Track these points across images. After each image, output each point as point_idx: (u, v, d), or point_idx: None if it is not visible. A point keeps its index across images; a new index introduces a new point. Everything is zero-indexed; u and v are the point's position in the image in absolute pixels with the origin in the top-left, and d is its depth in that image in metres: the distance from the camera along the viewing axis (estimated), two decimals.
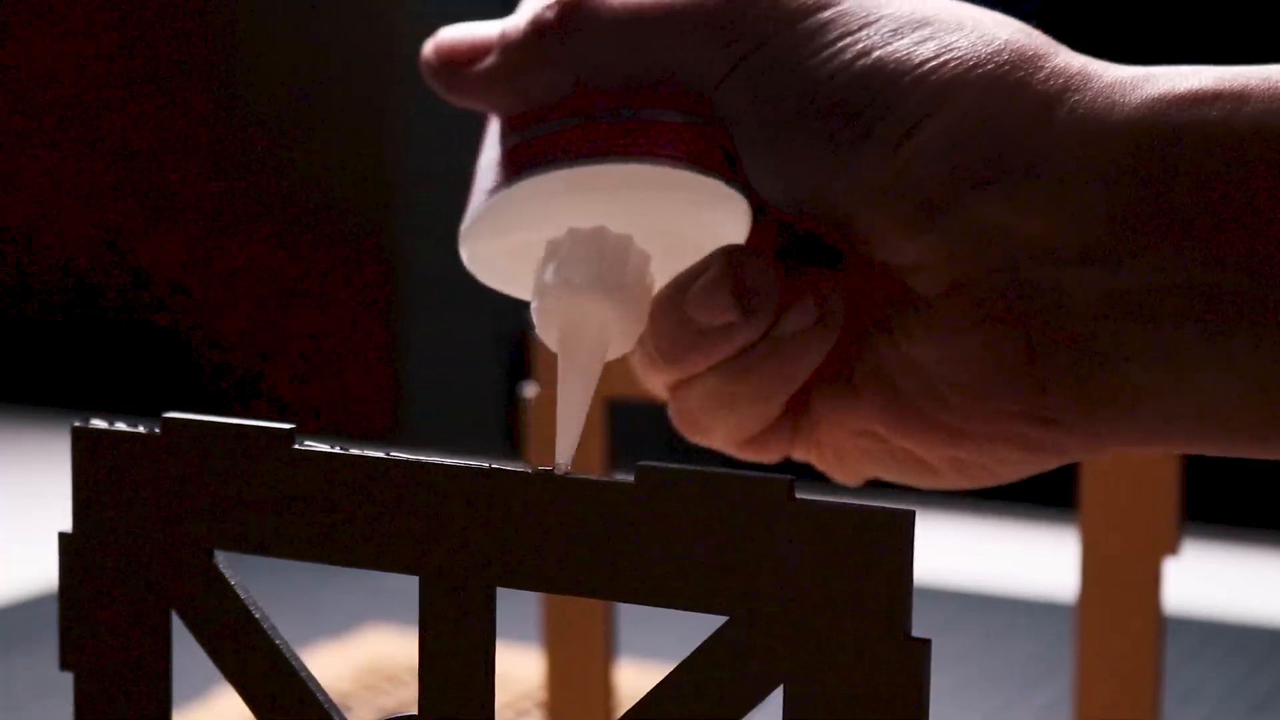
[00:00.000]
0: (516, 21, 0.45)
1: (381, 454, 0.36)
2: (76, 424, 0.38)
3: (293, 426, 0.37)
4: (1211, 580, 1.11)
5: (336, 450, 0.36)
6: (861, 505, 0.33)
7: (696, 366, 0.44)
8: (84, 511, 0.38)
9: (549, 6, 0.44)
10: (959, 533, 1.30)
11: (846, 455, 0.46)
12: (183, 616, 0.37)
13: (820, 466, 0.47)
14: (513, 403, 1.61)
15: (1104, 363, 0.41)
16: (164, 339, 1.72)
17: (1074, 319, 0.41)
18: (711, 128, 0.44)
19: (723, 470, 0.34)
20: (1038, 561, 1.20)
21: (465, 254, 0.46)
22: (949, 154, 0.41)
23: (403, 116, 1.64)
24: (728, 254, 0.43)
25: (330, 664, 0.86)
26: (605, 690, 0.63)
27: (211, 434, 0.37)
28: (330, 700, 0.37)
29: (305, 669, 0.37)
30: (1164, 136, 0.40)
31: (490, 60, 0.45)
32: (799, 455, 0.47)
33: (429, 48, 0.46)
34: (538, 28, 0.44)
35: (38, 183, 1.74)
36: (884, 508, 0.33)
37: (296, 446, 0.37)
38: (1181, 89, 0.40)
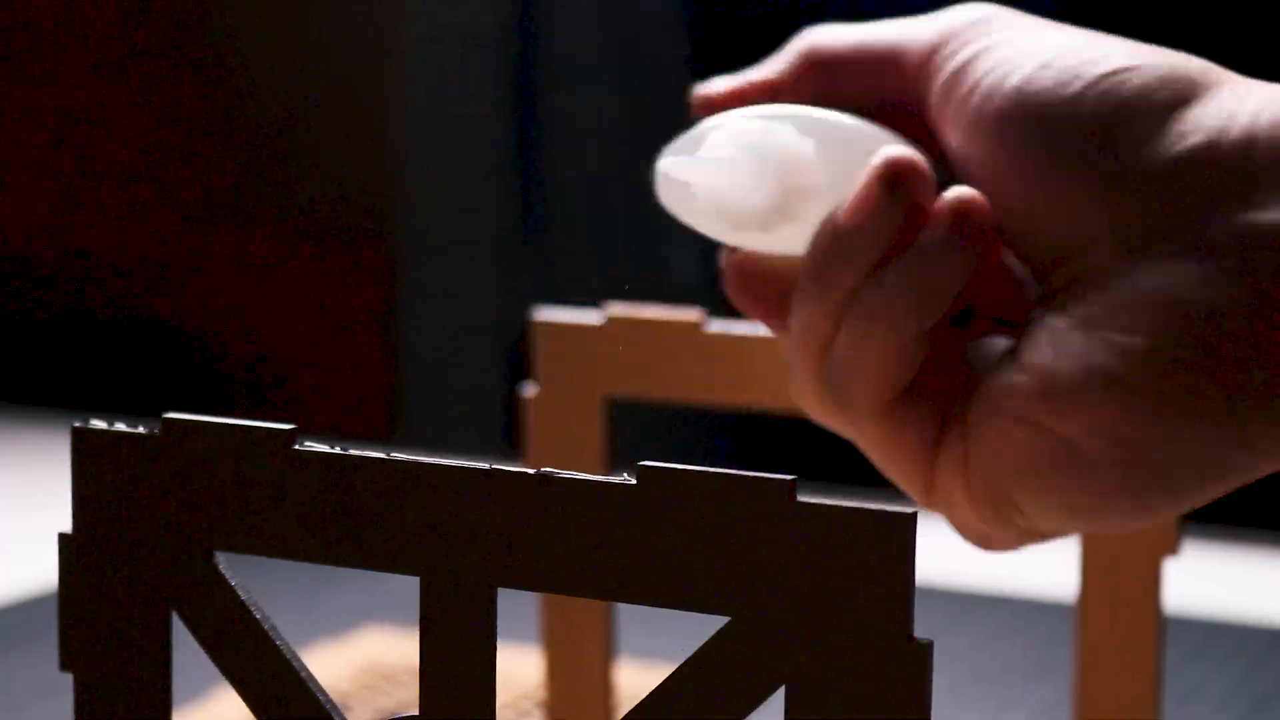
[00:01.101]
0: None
1: (381, 454, 0.36)
2: (76, 424, 0.38)
3: (293, 426, 0.37)
4: (1212, 580, 1.11)
5: (336, 450, 0.36)
6: (863, 506, 0.33)
7: (844, 276, 0.45)
8: (84, 512, 0.38)
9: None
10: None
11: (996, 462, 0.45)
12: (183, 617, 0.37)
13: (960, 492, 0.46)
14: (513, 403, 1.61)
15: None
16: (164, 339, 1.72)
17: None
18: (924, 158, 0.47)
19: (724, 470, 0.34)
20: (1037, 561, 1.20)
21: (667, 179, 0.48)
22: (1178, 178, 0.42)
23: (403, 117, 1.64)
24: (886, 149, 0.46)
25: (330, 664, 0.86)
26: (605, 690, 0.63)
27: (211, 434, 0.37)
28: (330, 700, 0.37)
29: (305, 669, 0.37)
30: None
31: (727, 87, 0.50)
32: (940, 475, 0.47)
33: (695, 92, 0.50)
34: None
35: (37, 182, 1.74)
36: (886, 509, 0.33)
37: (296, 446, 0.36)
38: None
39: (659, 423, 1.47)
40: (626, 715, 0.35)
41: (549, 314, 0.61)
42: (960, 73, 0.46)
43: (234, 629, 0.37)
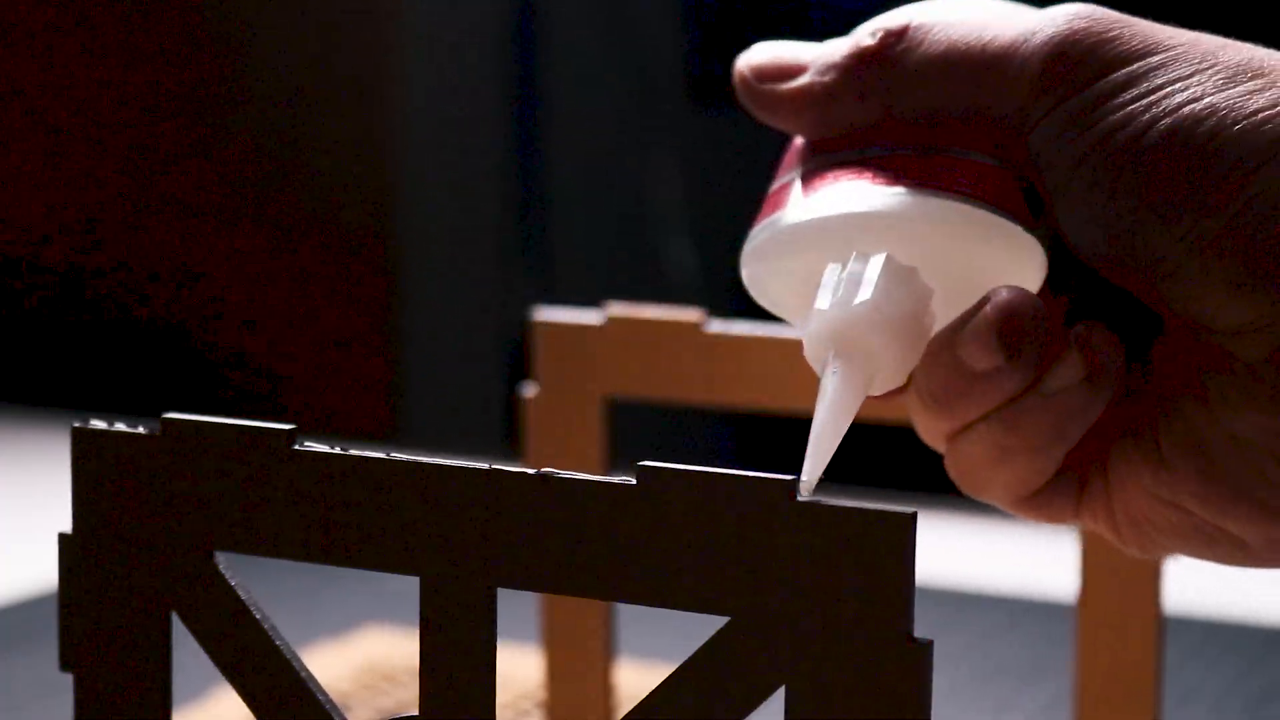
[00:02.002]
0: (836, 46, 0.45)
1: (381, 454, 0.36)
2: (76, 424, 0.38)
3: (293, 426, 0.37)
4: (1211, 579, 1.11)
5: (336, 450, 0.36)
6: (863, 506, 0.33)
7: (967, 413, 0.42)
8: (83, 512, 0.38)
9: (871, 34, 0.44)
10: (959, 533, 1.30)
11: (1145, 526, 0.43)
12: (182, 617, 0.37)
13: (1109, 535, 0.45)
14: (513, 403, 1.61)
15: None
16: (164, 339, 1.72)
17: None
18: (1016, 170, 0.43)
19: (724, 470, 0.34)
20: (1037, 561, 1.20)
21: (746, 274, 0.45)
22: None
23: (403, 117, 1.64)
24: (1000, 294, 0.41)
25: (330, 664, 0.86)
26: (605, 690, 0.63)
27: (211, 434, 0.37)
28: (330, 700, 0.37)
29: (305, 669, 0.37)
30: None
31: (802, 80, 0.44)
32: (1086, 521, 0.45)
33: (742, 62, 0.45)
34: (859, 55, 0.44)
35: (37, 182, 1.74)
36: (886, 509, 0.33)
37: (296, 446, 0.36)
38: None
39: (659, 423, 1.47)
40: (626, 715, 0.35)
41: (549, 314, 0.61)
42: (1096, 98, 0.41)
43: (234, 629, 0.37)
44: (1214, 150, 0.40)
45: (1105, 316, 0.43)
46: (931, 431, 0.44)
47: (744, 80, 0.45)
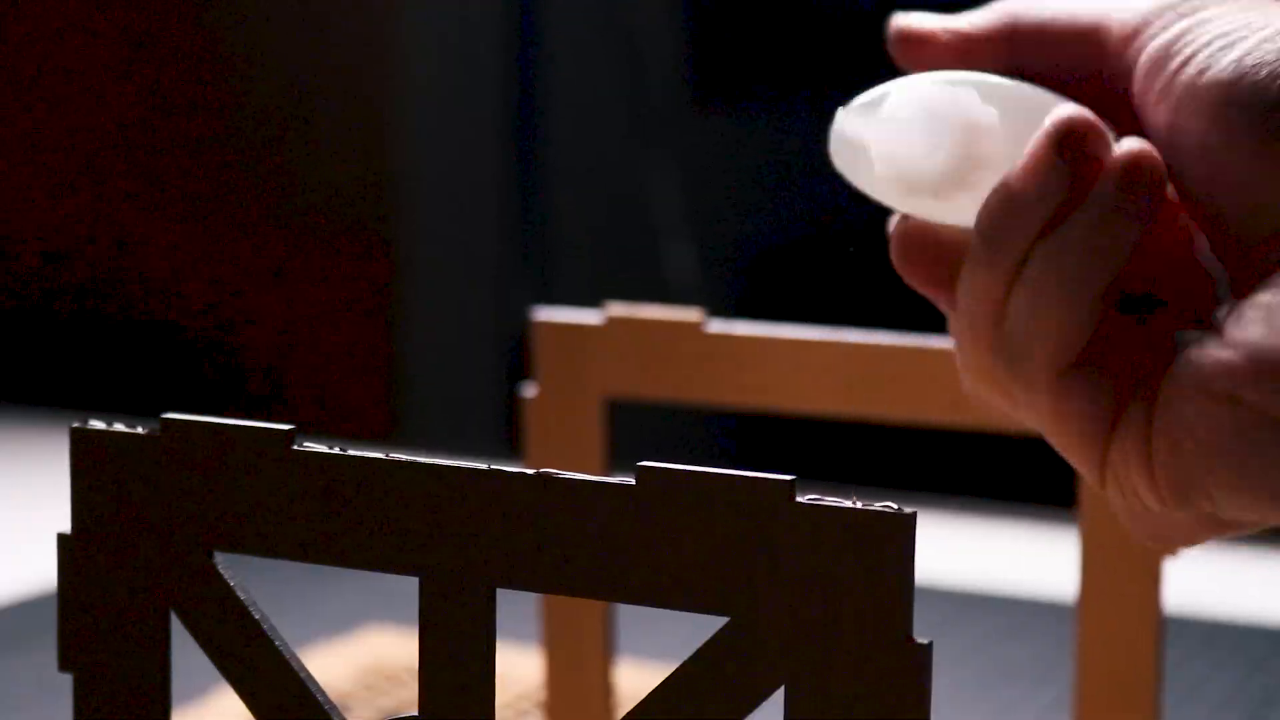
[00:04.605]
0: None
1: (381, 454, 0.36)
2: (75, 424, 0.38)
3: (293, 427, 0.37)
4: (1212, 580, 1.11)
5: (336, 450, 0.36)
6: (863, 507, 0.33)
7: (1015, 238, 0.45)
8: (83, 512, 0.38)
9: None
10: (959, 533, 1.30)
11: (1190, 438, 0.43)
12: (182, 617, 0.37)
13: (1141, 482, 0.45)
14: (513, 403, 1.61)
15: None
16: (164, 339, 1.72)
17: None
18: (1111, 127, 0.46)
19: (723, 471, 0.34)
20: (1038, 561, 1.20)
21: (837, 127, 0.47)
22: None
23: (403, 116, 1.64)
24: (1059, 112, 0.45)
25: (330, 664, 0.86)
26: (605, 690, 0.63)
27: (211, 434, 0.37)
28: (330, 701, 0.37)
29: (305, 670, 0.37)
30: None
31: (943, 38, 0.49)
32: (1115, 463, 0.45)
33: (897, 24, 0.50)
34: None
35: (36, 182, 1.74)
36: (886, 510, 0.33)
37: (296, 447, 0.36)
38: None
39: (659, 423, 1.47)
40: (626, 715, 0.35)
41: (549, 314, 0.61)
42: (1171, 46, 0.45)
43: (233, 629, 0.37)
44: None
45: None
46: (983, 299, 0.46)
47: (893, 35, 0.50)
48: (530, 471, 0.35)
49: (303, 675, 0.37)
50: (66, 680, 0.38)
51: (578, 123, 1.67)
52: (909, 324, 0.65)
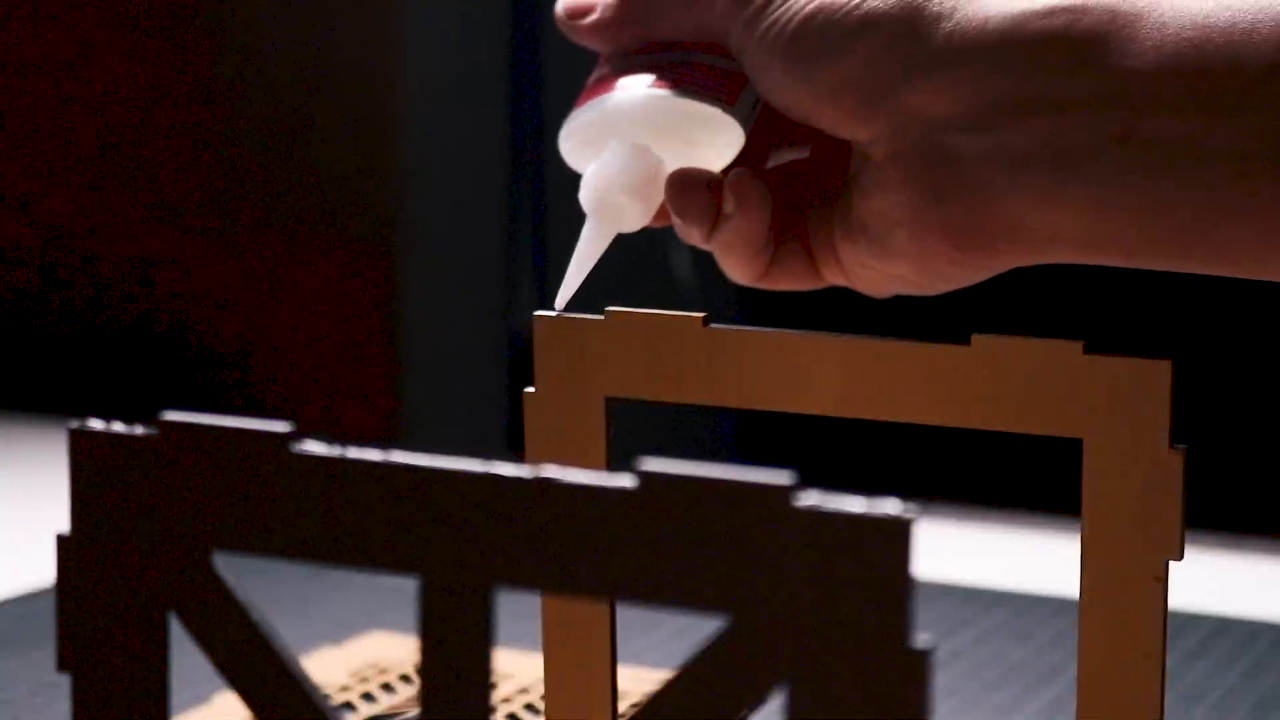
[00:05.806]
0: None
1: (381, 455, 0.36)
2: (74, 425, 0.37)
3: (292, 427, 0.36)
4: (1215, 580, 1.11)
5: (336, 451, 0.36)
6: (862, 511, 0.33)
7: (696, 239, 0.62)
8: (82, 513, 0.38)
9: None
10: (959, 533, 1.30)
11: (856, 271, 0.62)
12: (181, 618, 0.37)
13: (847, 281, 0.63)
14: (513, 403, 1.61)
15: (987, 201, 0.57)
16: (163, 339, 1.72)
17: (965, 171, 0.57)
18: (735, 68, 0.62)
19: (724, 473, 0.34)
20: (1039, 561, 1.20)
21: (563, 146, 0.64)
22: (878, 62, 0.58)
23: (403, 118, 1.64)
24: (674, 179, 0.62)
25: (329, 666, 0.86)
26: (605, 692, 0.63)
27: (210, 435, 0.37)
28: (329, 702, 0.37)
29: (304, 671, 0.37)
30: (1022, 39, 0.57)
31: (594, 16, 0.65)
32: (827, 277, 0.63)
33: (560, 5, 0.65)
34: None
35: (36, 185, 1.74)
36: (885, 514, 0.33)
37: (296, 447, 0.36)
38: (1039, 5, 0.57)
39: (659, 422, 1.47)
40: (626, 716, 0.35)
41: (549, 314, 0.61)
42: (755, 12, 0.60)
43: (233, 630, 0.37)
44: (817, 29, 0.59)
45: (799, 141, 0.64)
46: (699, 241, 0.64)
47: (560, 19, 0.65)
48: (530, 472, 0.35)
49: (302, 677, 0.37)
50: (65, 680, 0.38)
51: None
52: (909, 324, 0.65)
